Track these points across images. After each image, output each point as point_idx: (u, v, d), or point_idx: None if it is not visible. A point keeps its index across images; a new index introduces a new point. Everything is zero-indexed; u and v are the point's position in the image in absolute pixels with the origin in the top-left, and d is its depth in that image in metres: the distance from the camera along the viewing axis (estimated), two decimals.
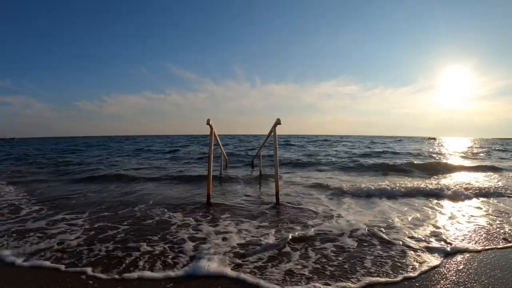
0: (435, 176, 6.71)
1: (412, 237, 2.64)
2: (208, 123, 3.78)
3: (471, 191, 4.60)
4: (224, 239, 2.65)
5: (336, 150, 15.78)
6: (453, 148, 20.06)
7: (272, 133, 4.09)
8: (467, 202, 4.11)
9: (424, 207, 3.80)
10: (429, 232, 2.80)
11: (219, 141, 5.33)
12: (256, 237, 2.69)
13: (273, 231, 2.87)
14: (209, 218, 3.38)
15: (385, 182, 5.40)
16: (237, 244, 2.52)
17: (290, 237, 2.62)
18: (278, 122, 3.82)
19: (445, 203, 4.06)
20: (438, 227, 2.95)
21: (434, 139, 57.49)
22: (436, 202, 4.08)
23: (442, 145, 24.71)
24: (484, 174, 7.23)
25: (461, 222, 3.16)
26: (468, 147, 21.89)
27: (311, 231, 2.81)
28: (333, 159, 10.57)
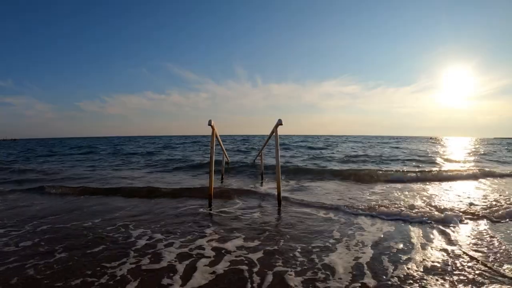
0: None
1: None
2: (209, 124, 3.74)
3: None
4: (185, 278, 1.80)
5: (341, 151, 14.71)
6: (471, 149, 18.34)
7: (274, 134, 4.04)
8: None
9: None
10: None
11: (221, 142, 5.26)
12: (235, 265, 1.99)
13: (258, 255, 2.14)
14: (187, 235, 2.61)
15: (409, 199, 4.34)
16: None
17: None
18: (279, 123, 3.76)
19: None
20: None
21: (436, 138, 56.31)
22: None
23: (459, 147, 22.69)
24: None
25: None
26: (481, 147, 20.46)
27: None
28: (342, 164, 9.30)
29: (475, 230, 2.73)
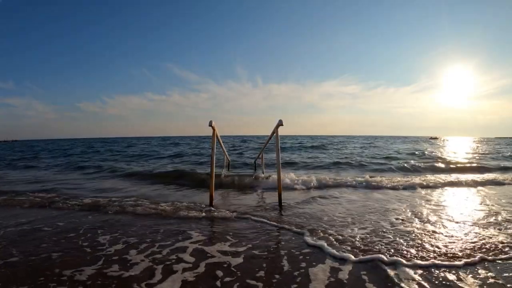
0: None
1: None
2: (210, 125, 3.72)
3: None
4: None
5: (354, 154, 13.88)
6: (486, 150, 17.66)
7: (274, 134, 4.04)
8: None
9: None
10: None
11: (222, 143, 5.17)
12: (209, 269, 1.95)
13: (238, 259, 2.09)
14: (170, 239, 2.53)
15: None
16: None
17: None
18: (280, 123, 3.76)
19: None
20: None
21: (437, 138, 55.76)
22: None
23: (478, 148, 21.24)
24: None
25: None
26: (495, 149, 19.55)
27: None
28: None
29: None
